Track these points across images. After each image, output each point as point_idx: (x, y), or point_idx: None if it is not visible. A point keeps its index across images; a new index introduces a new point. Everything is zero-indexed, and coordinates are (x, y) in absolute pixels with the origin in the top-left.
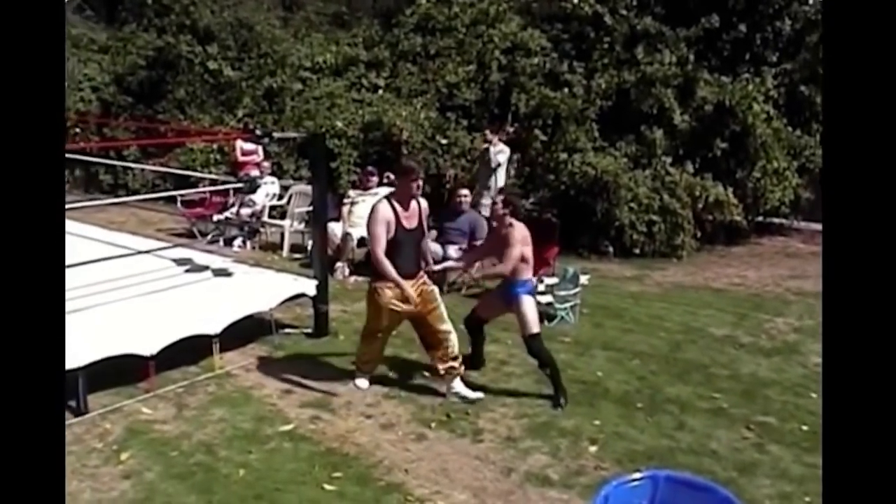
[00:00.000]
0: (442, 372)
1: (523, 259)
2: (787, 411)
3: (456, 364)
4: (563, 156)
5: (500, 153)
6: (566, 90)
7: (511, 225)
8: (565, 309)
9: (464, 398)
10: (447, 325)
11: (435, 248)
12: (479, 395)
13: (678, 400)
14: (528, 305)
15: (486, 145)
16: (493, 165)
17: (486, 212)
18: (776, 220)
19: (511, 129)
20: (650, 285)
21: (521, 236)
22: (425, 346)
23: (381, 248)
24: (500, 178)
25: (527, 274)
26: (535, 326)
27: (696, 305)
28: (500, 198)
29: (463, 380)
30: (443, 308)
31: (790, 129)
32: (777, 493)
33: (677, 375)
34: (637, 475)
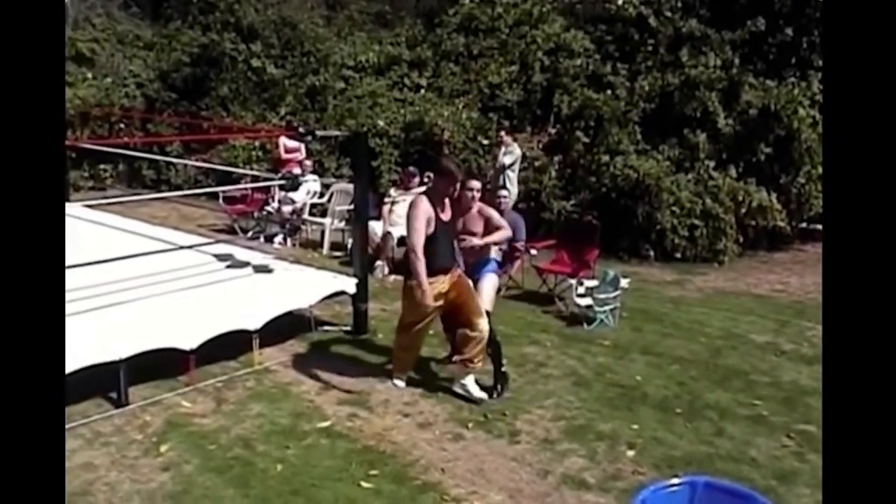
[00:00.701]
0: (457, 361)
1: None
2: None
3: (474, 361)
4: (605, 158)
5: (507, 155)
6: (609, 92)
7: (478, 200)
8: (605, 312)
9: (468, 394)
10: (483, 321)
11: None
12: (484, 395)
13: (718, 406)
14: (491, 283)
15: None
16: (498, 166)
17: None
18: (820, 227)
19: (553, 131)
20: (691, 290)
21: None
22: (452, 341)
23: (420, 243)
24: (511, 179)
25: (493, 252)
26: (489, 304)
27: (738, 311)
28: (474, 184)
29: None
30: (478, 301)
31: None
32: (816, 503)
33: (717, 382)
34: (675, 480)
